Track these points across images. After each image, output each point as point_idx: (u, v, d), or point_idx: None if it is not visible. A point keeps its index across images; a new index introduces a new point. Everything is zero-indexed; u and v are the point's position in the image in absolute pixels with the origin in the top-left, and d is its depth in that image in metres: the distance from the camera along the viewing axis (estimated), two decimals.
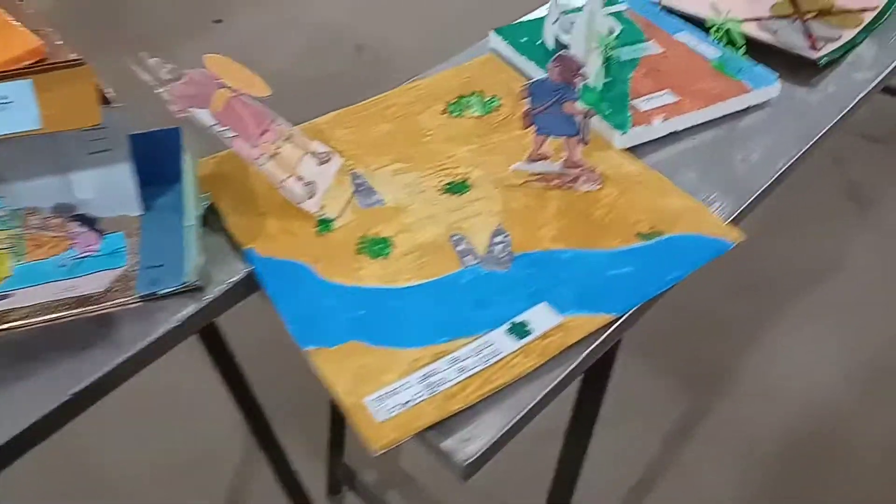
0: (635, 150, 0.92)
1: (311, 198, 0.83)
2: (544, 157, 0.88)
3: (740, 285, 1.77)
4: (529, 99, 0.82)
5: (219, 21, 2.88)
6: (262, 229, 0.82)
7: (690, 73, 0.99)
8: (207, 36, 2.82)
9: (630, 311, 0.73)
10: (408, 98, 1.00)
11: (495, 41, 1.09)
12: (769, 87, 0.98)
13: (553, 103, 0.82)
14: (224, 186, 0.86)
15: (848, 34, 1.09)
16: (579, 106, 0.81)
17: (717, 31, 1.04)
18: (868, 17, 1.12)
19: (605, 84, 0.98)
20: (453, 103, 0.99)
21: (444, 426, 0.65)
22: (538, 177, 0.88)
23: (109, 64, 0.84)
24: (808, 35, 1.07)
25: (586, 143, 0.85)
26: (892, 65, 1.07)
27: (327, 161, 0.89)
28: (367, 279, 0.77)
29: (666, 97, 0.95)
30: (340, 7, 2.92)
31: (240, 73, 0.83)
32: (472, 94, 1.00)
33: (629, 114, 0.93)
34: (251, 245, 0.80)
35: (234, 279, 0.77)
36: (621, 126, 0.91)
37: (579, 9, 0.97)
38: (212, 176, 0.87)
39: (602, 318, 0.72)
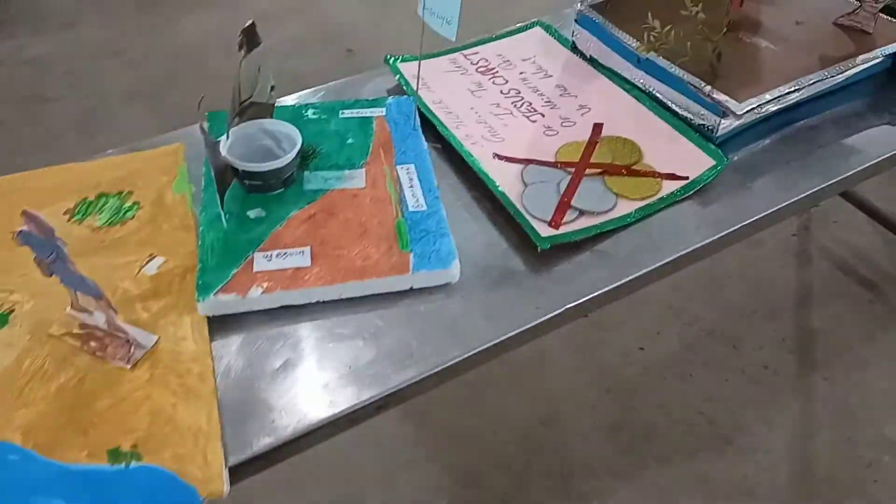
0: (226, 322, 0.73)
1: None
2: (85, 310, 0.71)
3: None
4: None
5: None
6: None
7: (359, 230, 0.77)
8: (210, 8, 2.76)
9: None
10: (47, 183, 0.85)
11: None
12: (443, 270, 0.75)
13: (56, 258, 0.64)
14: None
15: (626, 206, 0.83)
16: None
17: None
18: (671, 187, 0.85)
19: (232, 218, 0.78)
20: (85, 202, 0.83)
21: None
22: (86, 330, 0.71)
23: None
24: (559, 207, 0.81)
25: (115, 311, 0.67)
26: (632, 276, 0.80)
27: None
28: None
29: (297, 258, 0.75)
30: (347, 8, 2.78)
31: None
32: (115, 194, 0.84)
33: (231, 272, 0.73)
34: None
35: None
36: (203, 290, 0.71)
37: None
38: None
39: None
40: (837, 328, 1.70)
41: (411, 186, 0.83)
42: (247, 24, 0.78)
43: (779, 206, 0.84)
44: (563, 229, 0.80)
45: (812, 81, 0.90)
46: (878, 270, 1.81)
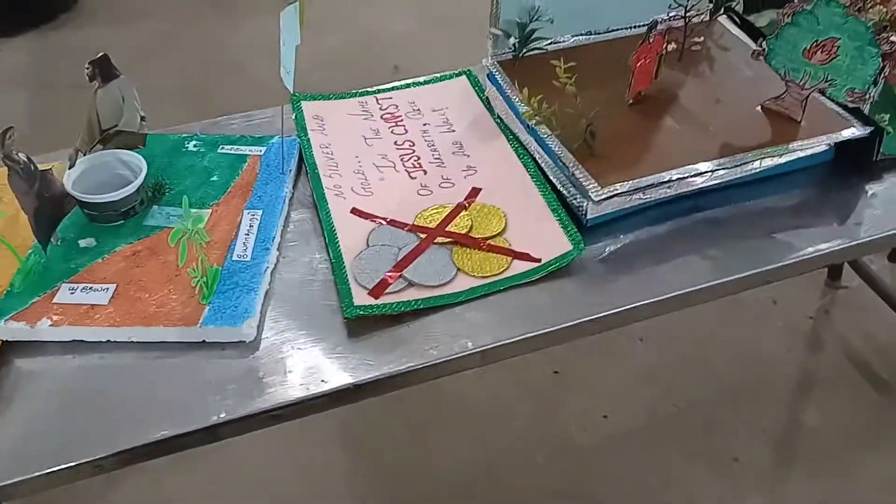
0: (21, 347, 0.73)
1: None
2: None
3: None
4: None
5: None
6: None
7: (173, 273, 0.76)
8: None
9: None
10: None
11: None
12: (233, 327, 0.72)
13: None
14: None
15: (464, 283, 0.77)
16: None
17: None
18: (520, 268, 0.78)
19: (63, 244, 0.78)
20: None
21: None
22: None
23: None
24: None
25: None
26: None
27: None
28: None
29: (99, 295, 0.74)
30: (395, 22, 2.77)
31: None
32: None
33: (32, 300, 0.74)
34: None
35: None
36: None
37: None
38: None
39: None
40: (830, 427, 1.52)
41: (248, 234, 0.81)
42: (98, 56, 0.79)
43: (628, 307, 0.76)
44: (384, 299, 0.75)
45: (710, 170, 0.81)
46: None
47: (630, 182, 0.78)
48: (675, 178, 0.79)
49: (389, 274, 0.77)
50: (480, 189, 0.88)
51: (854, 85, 0.78)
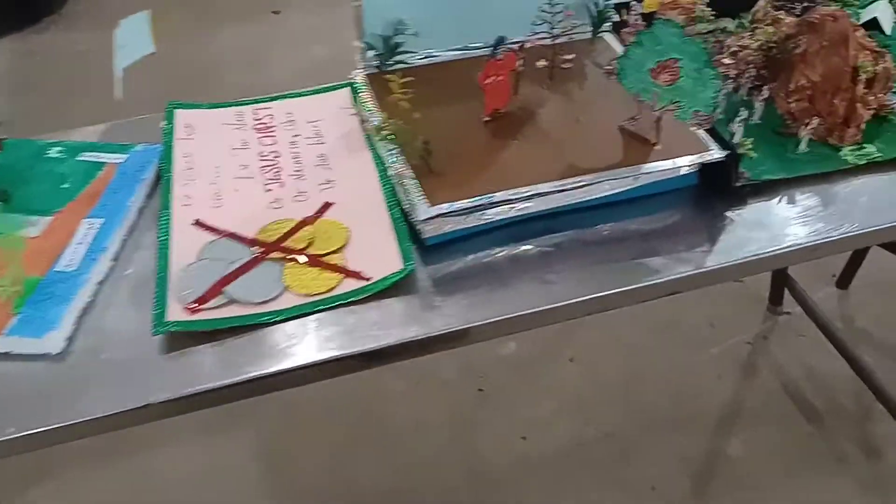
0: None
1: None
2: None
3: None
4: None
5: (277, 12, 2.89)
6: None
7: None
8: (263, 24, 2.85)
9: None
10: None
11: None
12: (35, 339, 0.70)
13: None
14: None
15: (288, 301, 0.75)
16: None
17: None
18: (349, 286, 0.76)
19: None
20: None
21: None
22: None
23: None
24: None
25: None
26: None
27: None
28: None
29: None
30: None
31: None
32: None
33: None
34: None
35: None
36: None
37: None
38: None
39: None
40: (755, 459, 1.48)
41: (80, 243, 0.79)
42: None
43: (447, 330, 0.73)
44: (200, 315, 0.73)
45: (553, 190, 0.78)
46: (831, 402, 1.57)
47: (462, 201, 0.76)
48: (511, 197, 0.77)
49: (210, 289, 0.75)
50: (332, 204, 0.86)
51: (698, 107, 0.76)
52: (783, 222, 0.84)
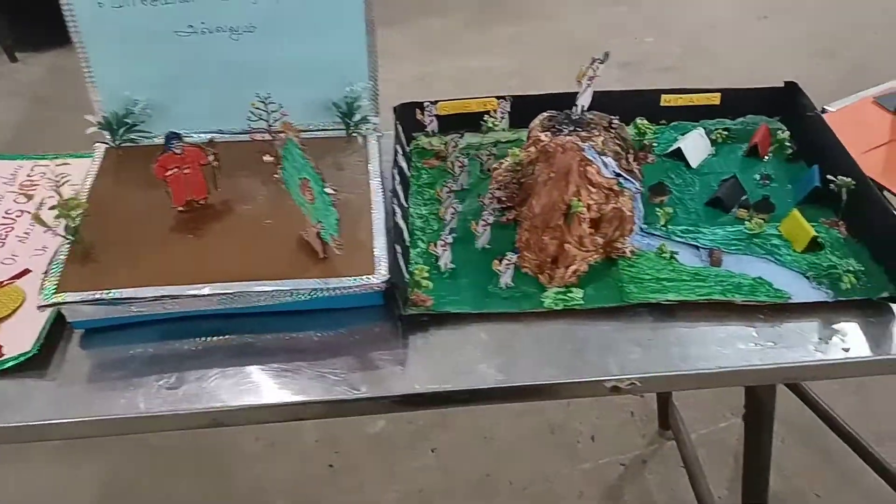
0: None
1: None
2: None
3: None
4: None
5: None
6: None
7: None
8: None
9: None
10: None
11: None
12: None
13: None
14: None
15: None
16: None
17: None
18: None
19: None
20: None
21: None
22: None
23: None
24: None
25: None
26: None
27: None
28: None
29: None
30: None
31: None
32: None
33: None
34: None
35: None
36: None
37: None
38: None
39: None
40: None
41: None
42: None
43: (42, 423, 0.72)
44: None
45: (201, 294, 0.75)
46: None
47: (88, 293, 0.74)
48: (148, 295, 0.75)
49: None
50: (30, 271, 0.87)
51: (331, 230, 0.71)
52: (453, 358, 0.77)
